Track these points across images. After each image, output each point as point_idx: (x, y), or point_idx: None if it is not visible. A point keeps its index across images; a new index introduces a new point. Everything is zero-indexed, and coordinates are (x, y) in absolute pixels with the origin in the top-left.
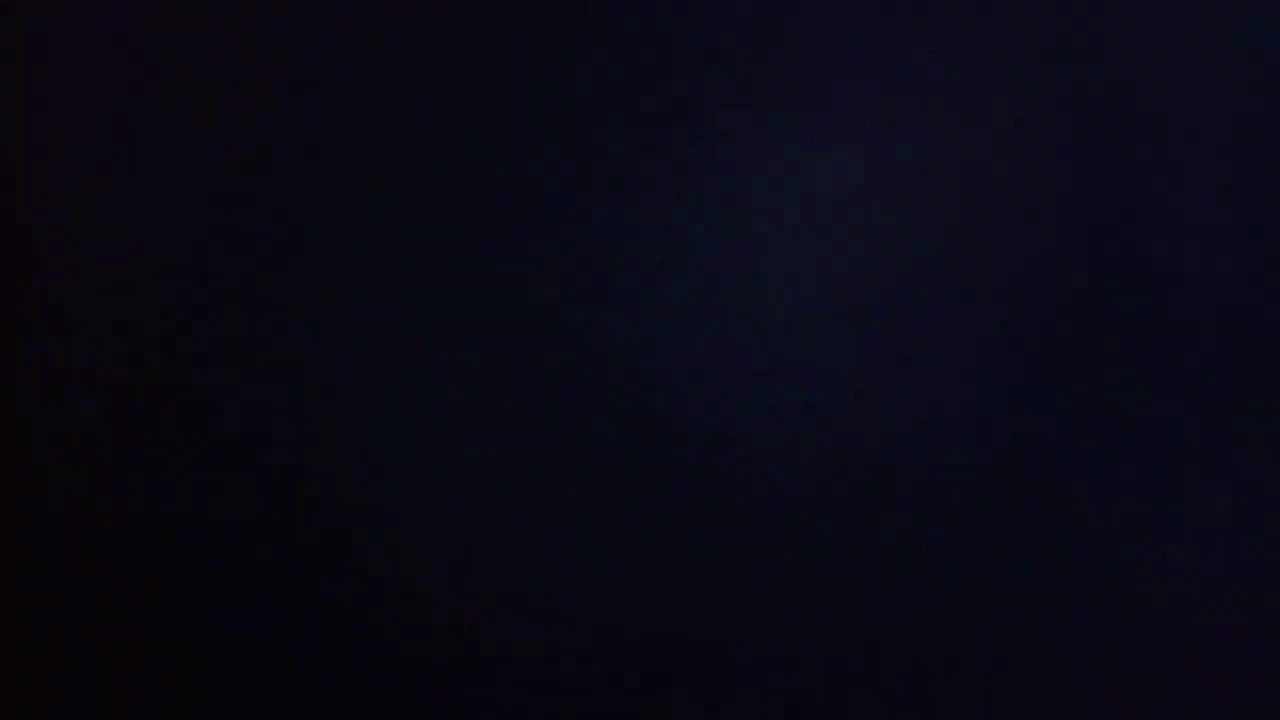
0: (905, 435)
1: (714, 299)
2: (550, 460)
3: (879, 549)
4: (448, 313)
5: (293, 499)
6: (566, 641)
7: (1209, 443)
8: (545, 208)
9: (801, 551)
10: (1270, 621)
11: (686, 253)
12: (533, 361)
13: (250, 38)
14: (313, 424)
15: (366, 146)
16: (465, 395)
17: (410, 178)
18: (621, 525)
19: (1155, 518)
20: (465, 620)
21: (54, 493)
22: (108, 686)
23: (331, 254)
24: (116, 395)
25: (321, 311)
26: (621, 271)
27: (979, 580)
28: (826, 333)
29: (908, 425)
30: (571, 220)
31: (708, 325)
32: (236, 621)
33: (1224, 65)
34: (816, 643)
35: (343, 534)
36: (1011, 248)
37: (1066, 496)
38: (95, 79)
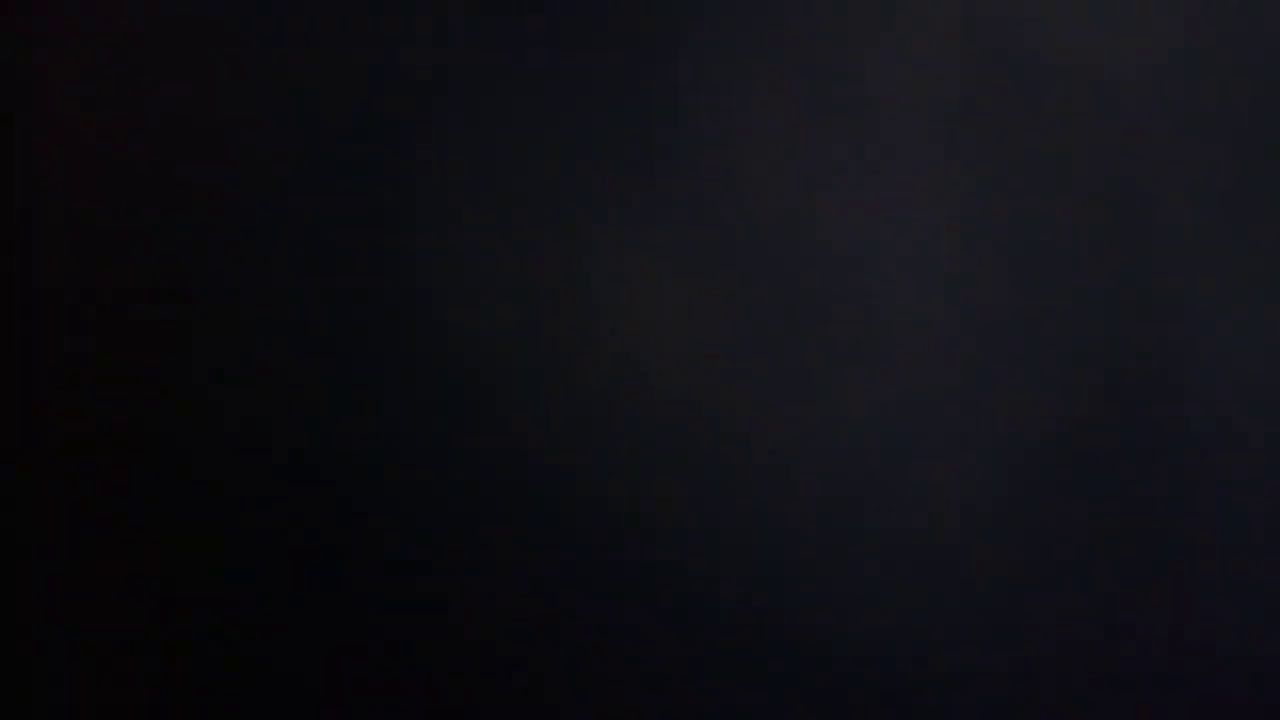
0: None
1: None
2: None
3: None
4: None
5: (297, 498)
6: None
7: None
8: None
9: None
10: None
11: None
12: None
13: (248, 37)
14: (317, 424)
15: (373, 148)
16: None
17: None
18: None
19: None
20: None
21: (54, 492)
22: (107, 687)
23: (336, 252)
24: (115, 394)
25: (324, 311)
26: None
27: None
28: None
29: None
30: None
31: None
32: (235, 622)
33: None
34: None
35: (346, 535)
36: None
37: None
38: (95, 79)
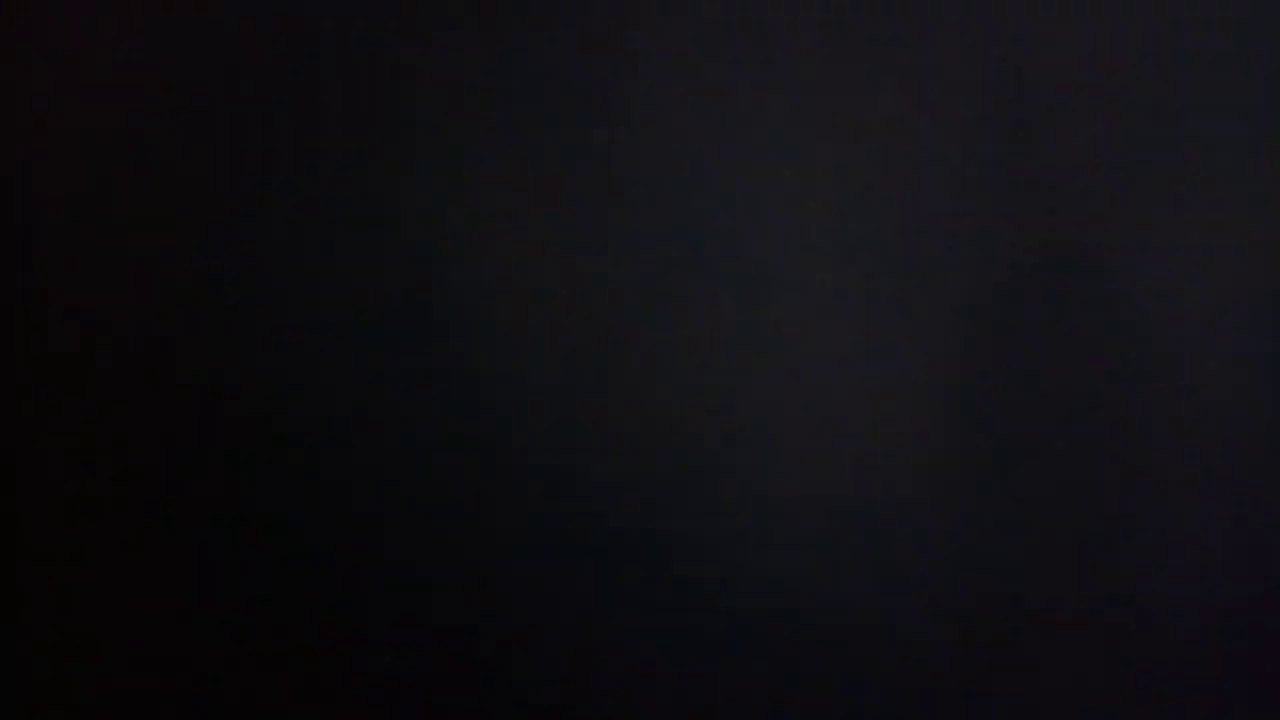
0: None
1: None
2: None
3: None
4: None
5: (297, 498)
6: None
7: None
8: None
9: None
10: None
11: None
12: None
13: (246, 38)
14: (315, 425)
15: (371, 149)
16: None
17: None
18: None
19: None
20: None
21: (53, 492)
22: (106, 686)
23: (339, 252)
24: (114, 394)
25: (326, 311)
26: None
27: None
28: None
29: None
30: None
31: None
32: (235, 622)
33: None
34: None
35: (343, 536)
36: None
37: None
38: (96, 79)
